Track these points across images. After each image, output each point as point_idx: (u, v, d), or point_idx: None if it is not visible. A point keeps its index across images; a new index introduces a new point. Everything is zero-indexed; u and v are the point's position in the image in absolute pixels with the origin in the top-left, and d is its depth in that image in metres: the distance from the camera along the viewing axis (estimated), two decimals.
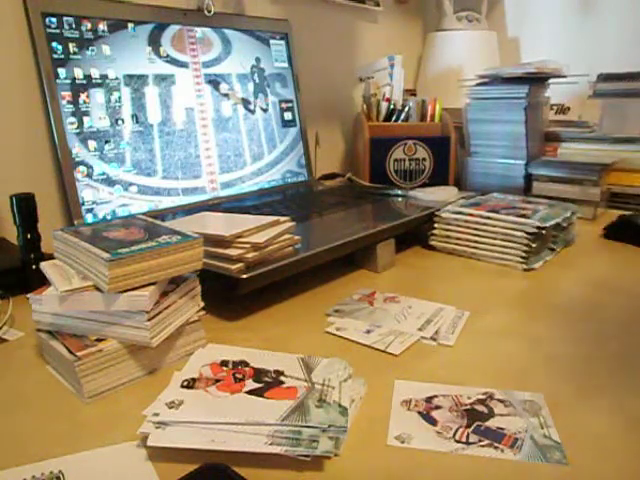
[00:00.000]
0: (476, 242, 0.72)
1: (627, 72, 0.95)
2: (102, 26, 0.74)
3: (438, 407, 0.38)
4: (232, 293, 0.52)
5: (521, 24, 1.37)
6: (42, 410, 0.39)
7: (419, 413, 0.37)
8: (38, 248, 0.61)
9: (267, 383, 0.39)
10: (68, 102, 0.70)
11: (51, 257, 0.49)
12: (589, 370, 0.43)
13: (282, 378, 0.39)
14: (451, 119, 1.05)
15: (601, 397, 0.39)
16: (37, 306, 0.43)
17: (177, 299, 0.45)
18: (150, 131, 0.78)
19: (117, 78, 0.75)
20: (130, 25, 0.77)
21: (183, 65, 0.83)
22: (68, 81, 0.70)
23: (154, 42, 0.79)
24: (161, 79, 0.80)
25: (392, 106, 1.07)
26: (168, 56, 0.81)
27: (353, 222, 0.74)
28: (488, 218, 0.72)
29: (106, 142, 0.73)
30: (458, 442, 0.34)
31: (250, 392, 0.37)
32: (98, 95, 0.73)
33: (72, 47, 0.71)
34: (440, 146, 1.04)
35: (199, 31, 0.86)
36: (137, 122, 0.77)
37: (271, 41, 0.97)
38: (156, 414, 0.34)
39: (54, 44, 0.69)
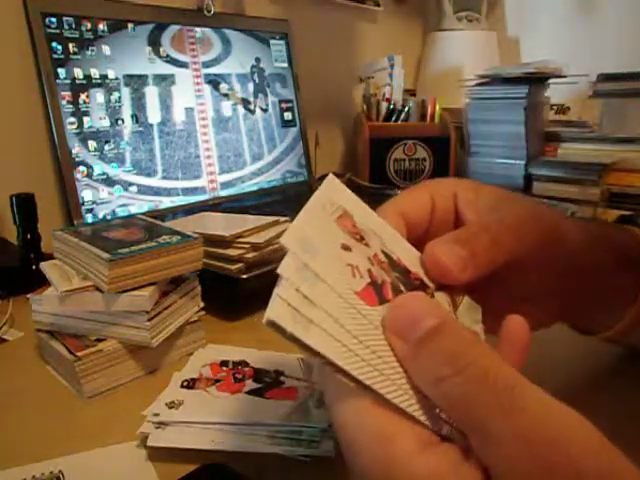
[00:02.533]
0: None
1: (627, 72, 0.95)
2: (102, 26, 0.74)
3: None
4: (232, 293, 0.52)
5: (521, 24, 1.37)
6: (42, 410, 0.39)
7: None
8: (38, 248, 0.61)
9: (267, 383, 0.38)
10: (68, 102, 0.70)
11: (51, 257, 0.48)
12: (586, 366, 0.43)
13: (282, 378, 0.39)
14: (451, 119, 1.05)
15: (600, 393, 0.39)
16: (37, 306, 0.43)
17: (177, 299, 0.45)
18: (150, 131, 0.78)
19: (117, 78, 0.75)
20: (130, 25, 0.77)
21: (183, 65, 0.83)
22: (68, 81, 0.70)
23: (154, 42, 0.79)
24: (161, 79, 0.80)
25: (392, 106, 1.07)
26: (168, 56, 0.81)
27: None
28: None
29: (106, 142, 0.73)
30: None
31: (250, 392, 0.37)
32: (98, 95, 0.73)
33: (72, 47, 0.71)
34: (440, 146, 1.04)
35: (199, 31, 0.86)
36: (137, 122, 0.77)
37: (271, 41, 0.97)
38: (156, 414, 0.34)
39: (54, 44, 0.69)
